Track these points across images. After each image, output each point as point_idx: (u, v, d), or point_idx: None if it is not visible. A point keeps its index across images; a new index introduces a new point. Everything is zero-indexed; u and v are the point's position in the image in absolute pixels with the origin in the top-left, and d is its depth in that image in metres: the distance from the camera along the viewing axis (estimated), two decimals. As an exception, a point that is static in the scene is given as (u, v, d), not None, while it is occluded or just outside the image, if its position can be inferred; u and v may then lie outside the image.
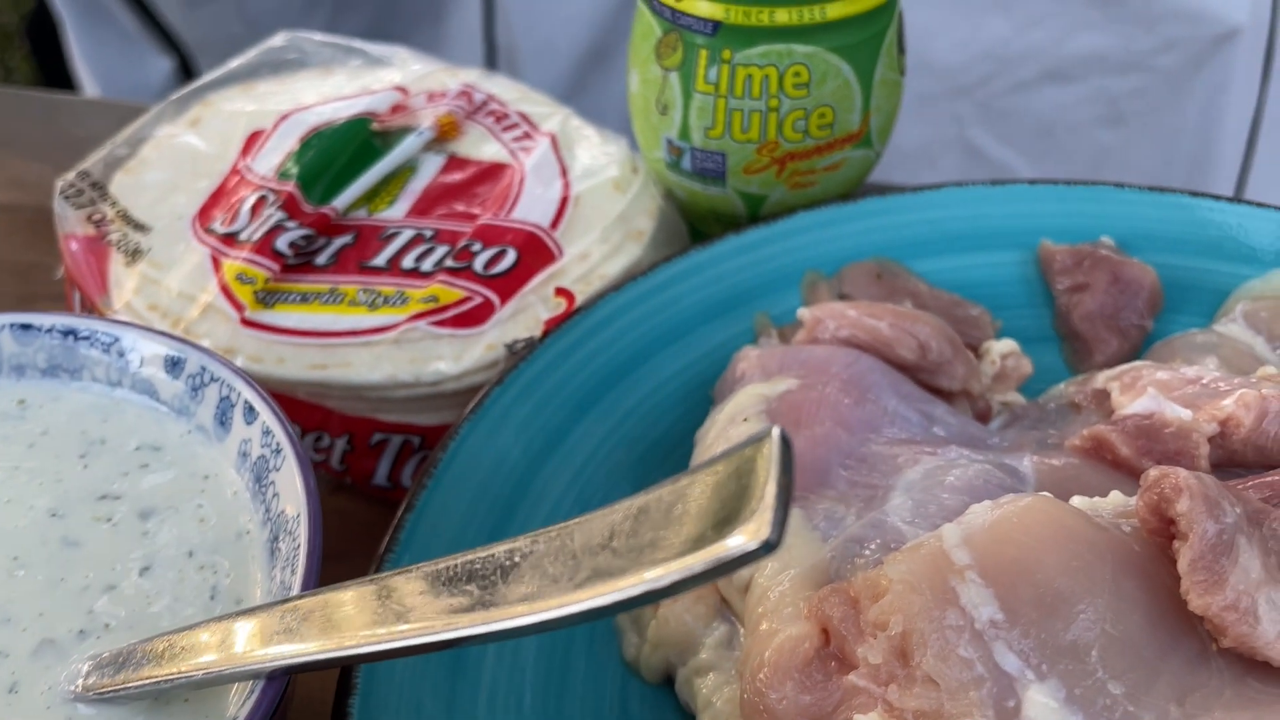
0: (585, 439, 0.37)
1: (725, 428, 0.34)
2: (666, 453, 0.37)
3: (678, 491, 0.19)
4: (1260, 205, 0.43)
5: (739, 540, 0.17)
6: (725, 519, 0.18)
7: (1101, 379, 0.37)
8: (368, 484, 0.39)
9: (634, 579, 0.18)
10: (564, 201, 0.42)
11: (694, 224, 0.46)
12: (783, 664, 0.27)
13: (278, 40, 0.48)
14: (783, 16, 0.39)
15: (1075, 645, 0.26)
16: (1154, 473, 0.28)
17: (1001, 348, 0.39)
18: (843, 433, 0.33)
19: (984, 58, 1.11)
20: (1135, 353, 0.41)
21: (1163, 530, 0.27)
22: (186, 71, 0.96)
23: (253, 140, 0.44)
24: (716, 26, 0.39)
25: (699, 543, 0.18)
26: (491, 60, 1.16)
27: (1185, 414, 0.33)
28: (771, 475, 0.18)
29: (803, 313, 0.38)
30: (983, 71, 1.12)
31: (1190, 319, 0.42)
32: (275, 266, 0.39)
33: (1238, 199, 0.43)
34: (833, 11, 0.39)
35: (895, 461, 0.32)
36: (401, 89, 0.46)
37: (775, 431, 0.19)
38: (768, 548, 0.17)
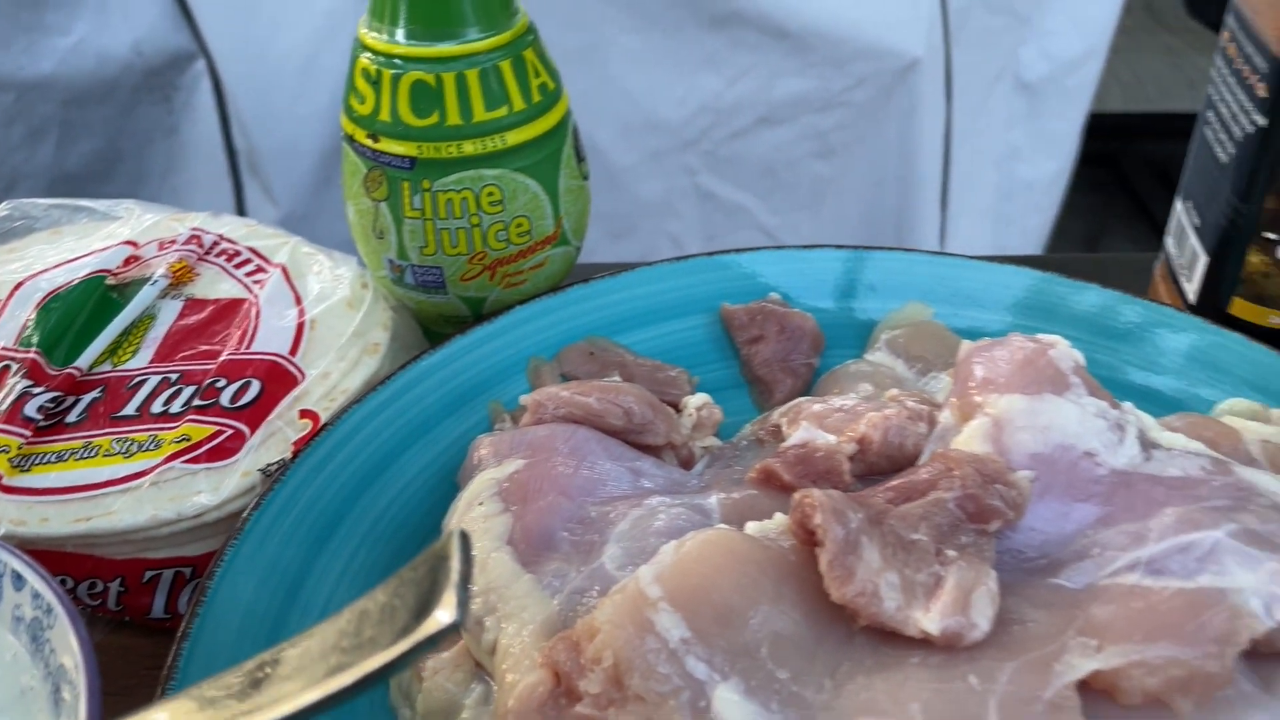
0: (345, 542, 0.41)
1: (464, 513, 0.39)
2: (421, 542, 0.42)
3: (389, 591, 0.25)
4: (884, 249, 0.52)
5: (431, 624, 0.23)
6: (423, 609, 0.23)
7: (775, 415, 0.45)
8: (146, 619, 0.42)
9: (356, 671, 0.23)
10: (300, 327, 0.46)
11: (427, 327, 0.51)
12: (523, 707, 0.32)
13: (1, 210, 0.50)
14: (469, 148, 0.45)
15: (748, 647, 0.32)
16: (797, 495, 0.35)
17: (696, 401, 0.47)
18: (564, 500, 0.39)
19: (702, 111, 1.22)
20: (807, 387, 0.50)
21: (809, 540, 0.35)
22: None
23: (-12, 311, 0.46)
24: (413, 162, 0.45)
25: (404, 632, 0.23)
26: (234, 165, 1.18)
27: (831, 439, 0.41)
28: (454, 566, 0.23)
29: (524, 399, 0.44)
30: (703, 124, 1.23)
31: (848, 352, 0.51)
32: (26, 432, 0.41)
33: (869, 247, 0.52)
34: (512, 139, 0.45)
35: (609, 517, 0.38)
36: (131, 242, 0.49)
37: (456, 531, 0.24)
38: (454, 626, 0.23)
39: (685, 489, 0.41)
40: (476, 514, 0.39)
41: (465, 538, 0.24)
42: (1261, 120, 0.44)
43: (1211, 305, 0.48)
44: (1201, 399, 0.46)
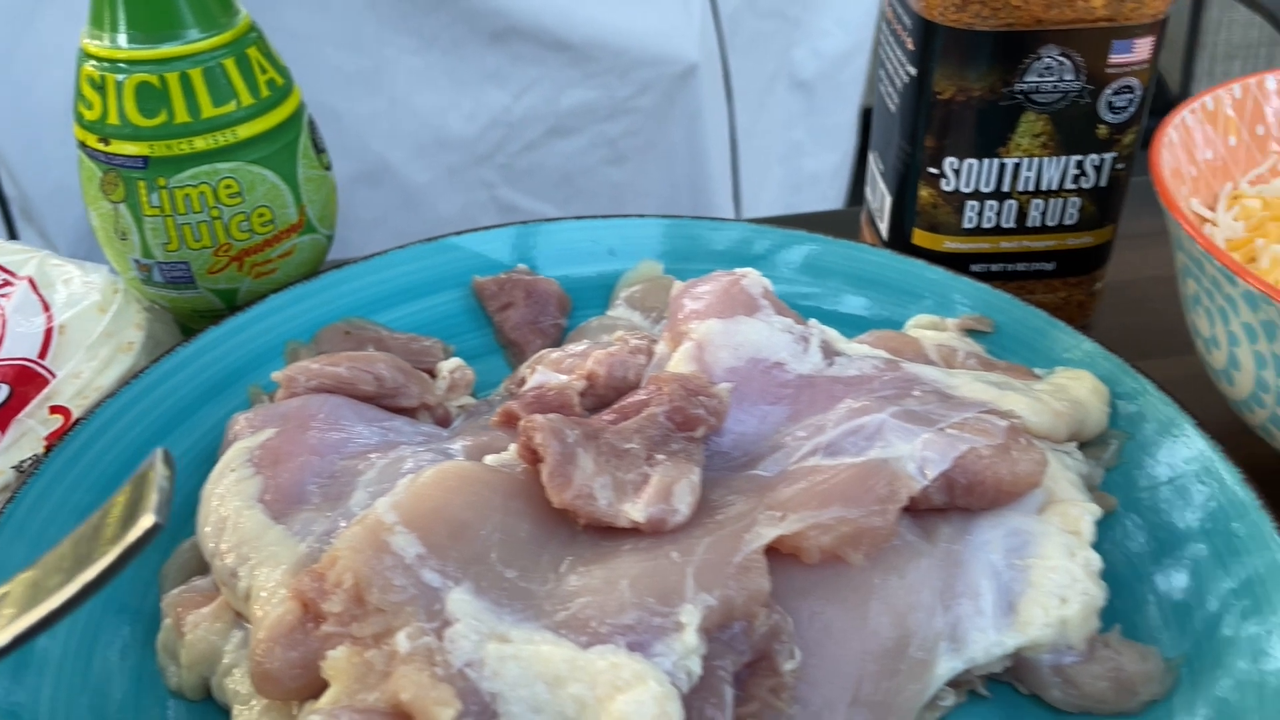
0: (106, 527, 0.42)
1: (217, 481, 0.41)
2: (183, 524, 0.44)
3: (103, 513, 0.27)
4: (620, 216, 0.57)
5: (136, 529, 0.25)
6: (130, 520, 0.26)
7: (521, 370, 0.49)
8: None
9: (74, 585, 0.26)
10: (49, 332, 0.47)
11: (185, 324, 0.53)
12: (272, 635, 0.34)
13: None
14: (201, 143, 0.47)
15: (479, 554, 0.36)
16: (523, 422, 0.39)
17: (449, 365, 0.50)
18: (314, 458, 0.42)
19: (493, 125, 1.25)
20: (556, 345, 0.54)
21: (533, 459, 0.38)
22: None
23: None
24: (146, 161, 0.47)
25: (113, 541, 0.26)
26: (6, 214, 1.13)
27: (563, 378, 0.45)
28: (153, 478, 0.26)
29: (276, 375, 0.46)
30: (495, 138, 1.26)
31: (593, 311, 0.55)
32: None
33: (606, 215, 0.57)
34: (243, 132, 0.48)
35: (357, 469, 0.41)
36: None
37: (157, 451, 0.27)
38: (157, 527, 0.25)
39: (437, 439, 0.45)
40: (229, 480, 0.41)
41: (166, 454, 0.26)
42: (913, 70, 0.51)
43: (899, 238, 0.55)
44: (895, 319, 0.53)
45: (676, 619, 0.34)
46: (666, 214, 0.58)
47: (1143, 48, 0.48)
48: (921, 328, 0.51)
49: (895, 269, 0.53)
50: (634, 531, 0.37)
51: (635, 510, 0.37)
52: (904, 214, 0.54)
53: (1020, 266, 0.54)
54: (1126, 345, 0.56)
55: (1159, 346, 0.54)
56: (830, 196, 1.52)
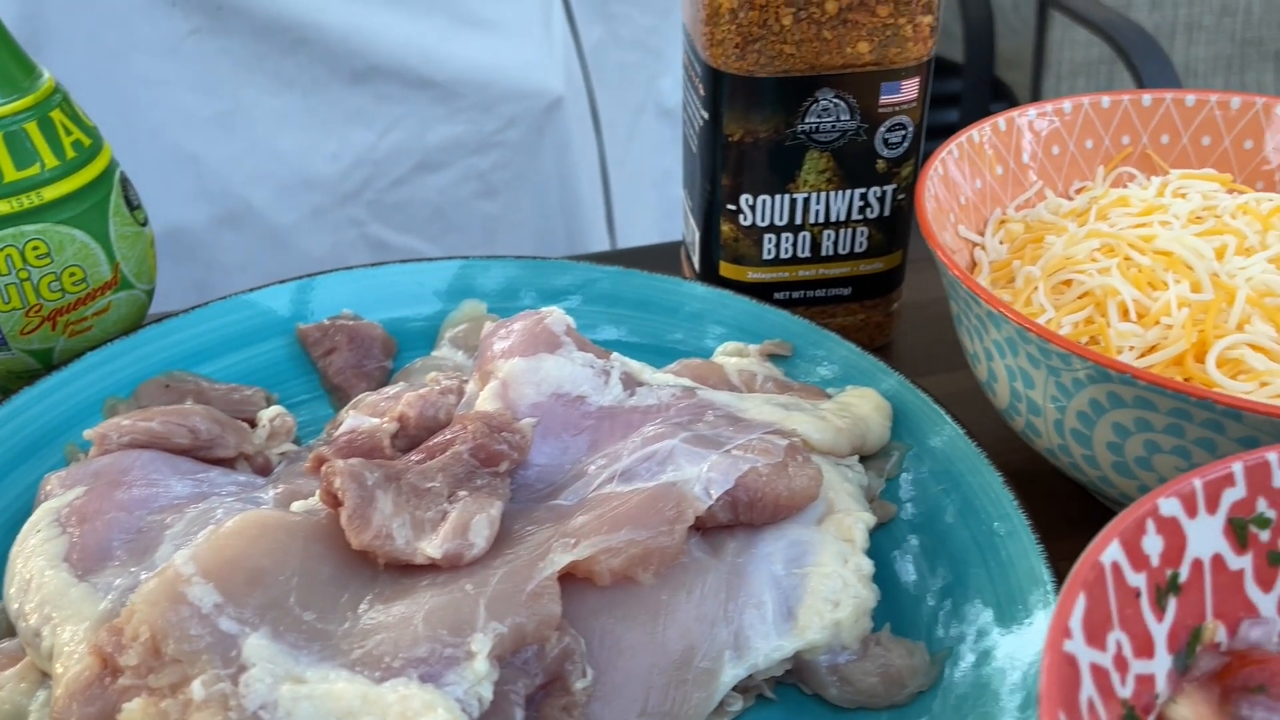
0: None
1: (22, 543, 0.41)
2: (-7, 581, 0.44)
3: None
4: (444, 259, 0.59)
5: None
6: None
7: (340, 414, 0.50)
8: None
9: None
10: None
11: (1, 386, 0.53)
12: (70, 692, 0.35)
13: None
14: (4, 207, 0.47)
15: (278, 599, 0.37)
16: (324, 468, 0.40)
17: (270, 413, 0.51)
18: (122, 515, 0.42)
19: (359, 164, 1.25)
20: (383, 387, 0.55)
21: (335, 503, 0.40)
22: None
23: None
24: (-53, 226, 0.47)
25: None
26: None
27: (374, 421, 0.46)
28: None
29: (89, 433, 0.47)
30: (361, 176, 1.26)
31: (421, 352, 0.57)
32: None
33: (430, 259, 0.59)
34: (49, 194, 0.48)
35: (165, 522, 0.42)
36: None
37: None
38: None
39: (251, 489, 0.46)
40: (34, 540, 0.41)
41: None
42: (706, 114, 0.54)
43: (709, 270, 0.58)
44: (706, 347, 0.56)
45: (468, 648, 0.36)
46: (491, 255, 0.60)
47: (910, 88, 0.52)
48: (728, 354, 0.54)
49: (707, 300, 0.56)
50: (433, 567, 0.39)
51: (431, 547, 0.39)
52: (711, 248, 0.57)
53: (820, 293, 0.58)
54: (922, 361, 0.60)
55: (950, 362, 0.58)
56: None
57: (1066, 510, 0.49)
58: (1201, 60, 2.06)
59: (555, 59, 1.27)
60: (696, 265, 0.59)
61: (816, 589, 0.41)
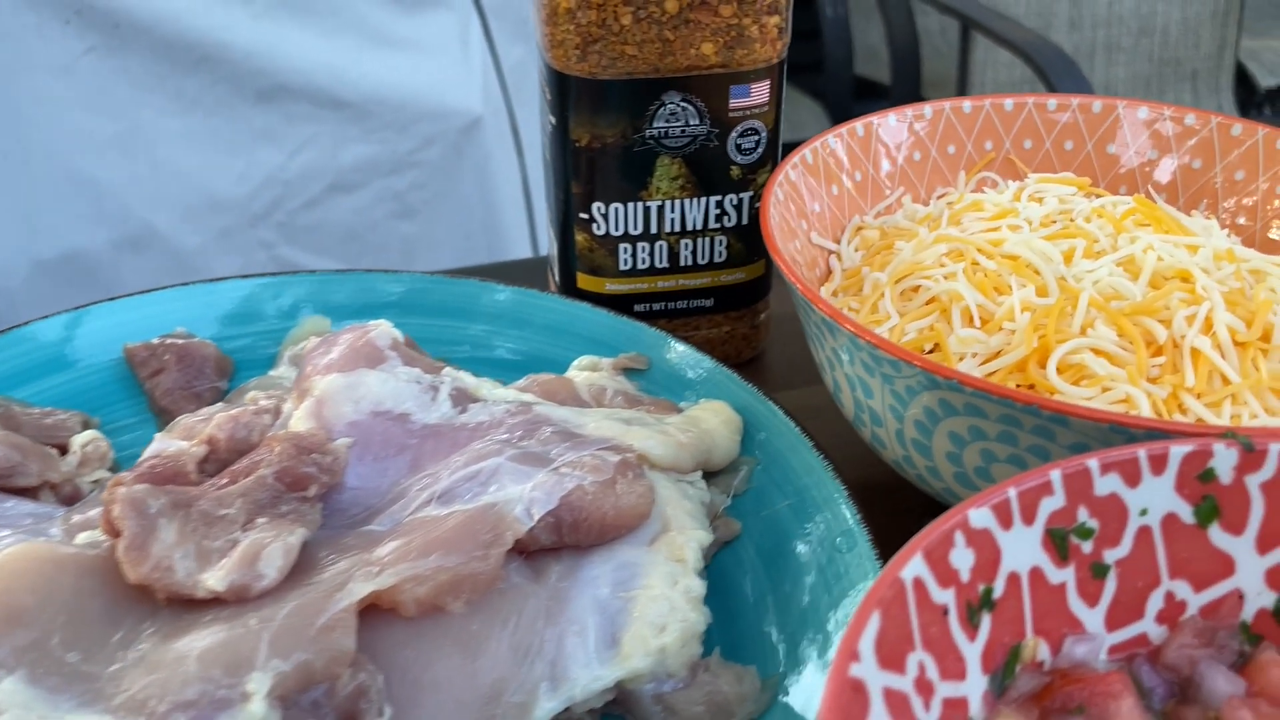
0: None
1: None
2: None
3: None
4: (290, 273, 0.56)
5: None
6: None
7: (156, 438, 0.47)
8: None
9: None
10: None
11: None
12: None
13: None
14: None
15: (39, 640, 0.34)
16: (104, 495, 0.37)
17: (82, 439, 0.47)
18: (-110, 551, 0.39)
19: (267, 184, 1.21)
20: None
21: (115, 533, 0.37)
22: None
23: None
24: None
25: None
26: None
27: (182, 444, 0.43)
28: None
29: None
30: (271, 197, 1.21)
31: (258, 371, 0.54)
32: None
33: (275, 273, 0.56)
34: None
35: (-64, 558, 0.39)
36: None
37: None
38: None
39: (44, 520, 0.42)
40: None
41: None
42: (554, 119, 0.52)
43: (568, 282, 0.56)
44: (560, 360, 0.53)
45: (243, 689, 0.33)
46: (343, 269, 0.57)
47: (760, 91, 0.51)
48: (582, 369, 0.52)
49: (562, 312, 0.54)
50: (219, 601, 0.36)
51: (214, 579, 0.36)
52: (568, 258, 0.55)
53: (681, 304, 0.56)
54: (794, 373, 0.58)
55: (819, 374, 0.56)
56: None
57: (921, 525, 0.47)
58: (1121, 80, 2.09)
59: (474, 79, 1.24)
60: (556, 277, 0.57)
61: (642, 613, 0.38)
